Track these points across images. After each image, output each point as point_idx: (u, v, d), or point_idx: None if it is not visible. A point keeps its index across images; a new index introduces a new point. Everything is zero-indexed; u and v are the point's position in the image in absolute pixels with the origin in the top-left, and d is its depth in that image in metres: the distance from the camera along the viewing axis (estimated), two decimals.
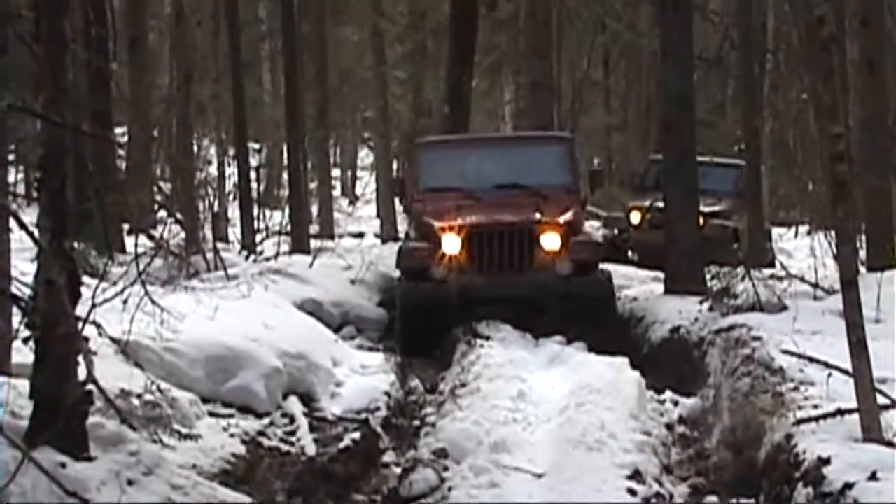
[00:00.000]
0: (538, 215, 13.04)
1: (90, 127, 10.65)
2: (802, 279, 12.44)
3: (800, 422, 7.40)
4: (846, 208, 7.38)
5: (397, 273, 13.80)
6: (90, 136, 6.88)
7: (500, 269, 12.85)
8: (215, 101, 24.99)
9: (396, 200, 14.75)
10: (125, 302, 7.39)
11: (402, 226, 18.24)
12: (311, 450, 8.67)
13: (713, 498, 7.66)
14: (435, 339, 12.52)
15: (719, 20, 19.96)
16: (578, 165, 14.94)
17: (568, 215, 13.26)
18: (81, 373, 6.48)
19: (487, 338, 11.75)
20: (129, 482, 6.51)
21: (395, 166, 29.62)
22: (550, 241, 12.89)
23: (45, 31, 6.57)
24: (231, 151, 23.56)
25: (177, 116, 18.80)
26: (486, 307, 12.51)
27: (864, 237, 13.76)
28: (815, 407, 7.66)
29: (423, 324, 12.68)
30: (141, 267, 7.55)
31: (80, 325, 6.37)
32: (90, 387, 6.45)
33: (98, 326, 6.69)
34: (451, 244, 12.85)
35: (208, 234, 17.11)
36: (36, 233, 6.47)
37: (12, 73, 7.19)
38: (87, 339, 6.40)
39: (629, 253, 20.13)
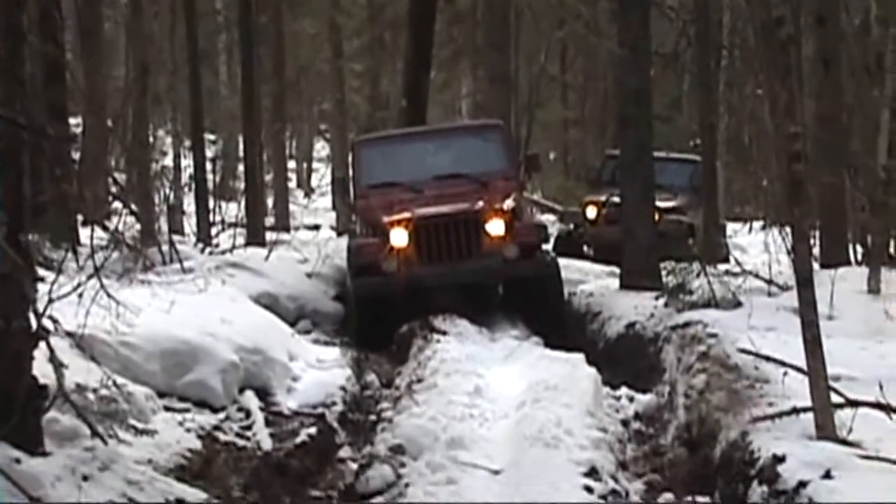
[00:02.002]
0: (481, 203, 13.28)
1: (46, 119, 10.58)
2: (757, 275, 12.50)
3: (755, 419, 7.44)
4: (802, 208, 7.42)
5: (349, 269, 13.88)
6: (47, 137, 6.80)
7: (448, 258, 13.08)
8: (171, 92, 24.89)
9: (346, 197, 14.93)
10: (80, 295, 7.35)
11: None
12: (267, 445, 8.63)
13: (669, 495, 7.69)
14: (389, 332, 12.63)
15: (676, 16, 19.99)
16: (513, 151, 15.21)
17: (510, 201, 13.57)
18: (36, 368, 6.45)
19: (444, 332, 11.78)
20: (85, 478, 6.46)
21: (351, 159, 29.58)
22: (495, 226, 13.14)
23: (1, 24, 6.52)
24: (187, 143, 23.46)
25: (133, 108, 18.68)
26: (437, 296, 12.64)
27: (818, 234, 13.85)
28: (771, 405, 7.70)
29: (376, 317, 12.88)
30: (97, 260, 7.50)
31: (36, 319, 6.33)
32: (45, 381, 6.42)
33: (54, 321, 6.66)
34: (399, 237, 13.03)
35: (164, 226, 17.02)
36: None
37: None
38: (47, 332, 6.36)
39: (585, 248, 20.20)
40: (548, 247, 14.92)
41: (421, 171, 14.34)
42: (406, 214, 13.16)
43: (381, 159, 14.68)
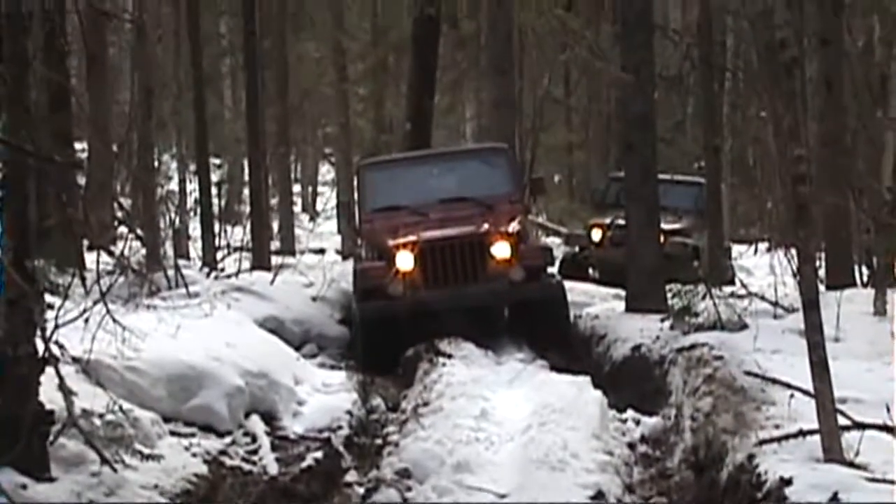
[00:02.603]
0: (486, 226, 13.29)
1: (52, 145, 10.59)
2: (763, 298, 12.49)
3: (762, 442, 7.43)
4: (807, 229, 7.42)
5: (354, 293, 13.88)
6: (53, 163, 6.82)
7: (454, 281, 13.04)
8: (176, 116, 24.92)
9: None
10: (86, 321, 7.36)
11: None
12: (273, 469, 8.64)
13: None
14: (394, 355, 12.61)
15: (680, 39, 20.00)
16: (518, 174, 15.23)
17: (515, 224, 13.54)
18: (42, 393, 6.45)
19: (449, 356, 11.76)
20: (91, 503, 6.47)
21: (356, 183, 29.63)
22: (501, 250, 13.11)
23: (7, 51, 6.55)
24: (192, 167, 23.48)
25: (138, 132, 18.73)
26: (443, 319, 12.64)
27: (823, 255, 13.83)
28: (777, 427, 7.68)
29: (381, 340, 12.84)
30: (103, 286, 7.52)
31: (43, 345, 6.34)
32: (51, 407, 6.42)
33: (61, 347, 6.67)
34: (405, 261, 13.01)
35: (169, 251, 17.03)
36: None
37: None
38: (55, 359, 6.38)
39: (590, 270, 20.18)
40: (553, 269, 14.92)
41: (426, 195, 14.35)
42: (411, 238, 13.15)
43: (386, 183, 14.69)
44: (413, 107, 19.69)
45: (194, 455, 8.43)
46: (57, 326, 6.63)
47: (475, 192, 14.29)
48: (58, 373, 6.28)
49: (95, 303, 7.39)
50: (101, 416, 7.69)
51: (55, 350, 6.59)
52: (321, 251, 28.54)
